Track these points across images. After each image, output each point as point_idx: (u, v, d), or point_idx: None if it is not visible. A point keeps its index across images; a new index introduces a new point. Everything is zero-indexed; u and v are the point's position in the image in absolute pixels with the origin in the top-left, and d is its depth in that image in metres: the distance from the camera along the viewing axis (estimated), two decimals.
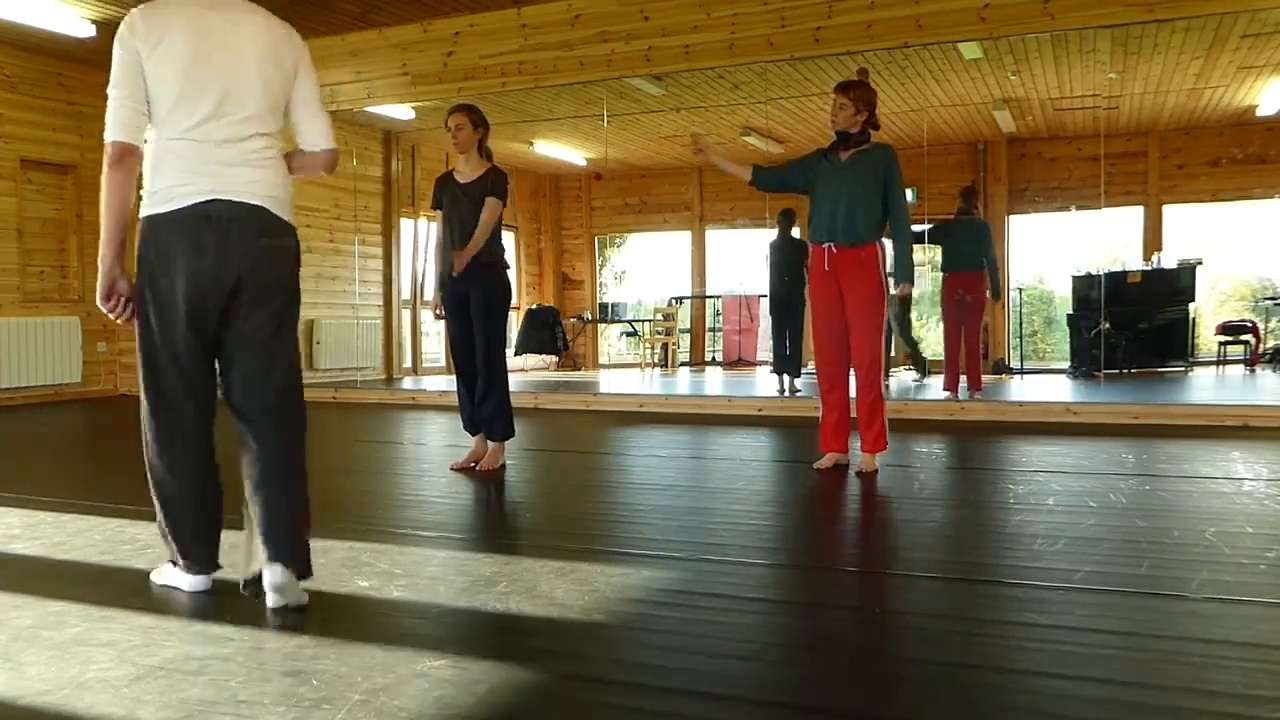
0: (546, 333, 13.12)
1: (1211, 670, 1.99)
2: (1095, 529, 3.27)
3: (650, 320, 13.77)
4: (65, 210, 8.95)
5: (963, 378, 8.08)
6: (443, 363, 12.34)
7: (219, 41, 2.41)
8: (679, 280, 14.29)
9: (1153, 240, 11.66)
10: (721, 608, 2.46)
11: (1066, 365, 11.02)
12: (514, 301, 12.24)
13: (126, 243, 2.40)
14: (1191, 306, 10.74)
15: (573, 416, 7.42)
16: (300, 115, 2.58)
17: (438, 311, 4.71)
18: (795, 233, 8.72)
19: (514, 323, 13.47)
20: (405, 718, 1.76)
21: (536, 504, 4.12)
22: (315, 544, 2.74)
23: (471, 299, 4.54)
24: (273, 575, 2.39)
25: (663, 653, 2.13)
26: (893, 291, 4.71)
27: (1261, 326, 11.20)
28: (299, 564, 2.43)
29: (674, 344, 13.16)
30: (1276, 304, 11.51)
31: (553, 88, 8.28)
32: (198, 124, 2.38)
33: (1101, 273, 10.35)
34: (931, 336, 16.08)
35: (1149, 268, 10.85)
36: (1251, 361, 10.73)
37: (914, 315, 10.75)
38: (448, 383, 9.26)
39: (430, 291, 4.78)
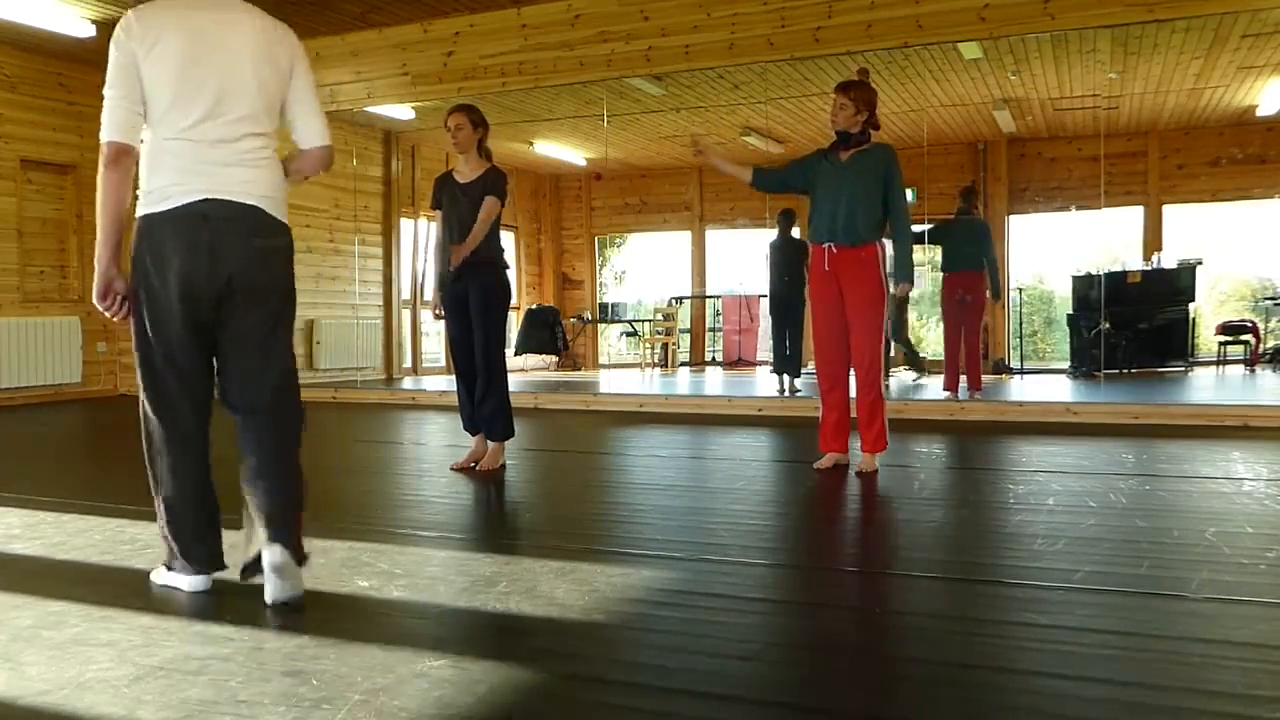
0: (546, 333, 13.12)
1: (1211, 670, 1.99)
2: (1095, 529, 3.27)
3: (650, 320, 13.77)
4: (65, 210, 8.95)
5: (963, 378, 8.08)
6: (443, 363, 12.34)
7: (214, 43, 2.42)
8: (679, 280, 14.30)
9: (1153, 240, 11.66)
10: (721, 608, 2.46)
11: (1066, 365, 11.02)
12: (514, 301, 12.25)
13: (123, 242, 2.42)
14: (1191, 306, 10.74)
15: (573, 416, 7.42)
16: (296, 113, 2.59)
17: (437, 311, 4.71)
18: (795, 233, 8.72)
19: (514, 323, 13.47)
20: (405, 718, 1.76)
21: (536, 504, 4.12)
22: (316, 544, 2.80)
23: (471, 299, 4.54)
24: (272, 555, 2.42)
25: (663, 653, 2.13)
26: (892, 291, 4.71)
27: (1261, 326, 11.20)
28: (295, 549, 2.46)
29: (674, 344, 13.15)
30: (1276, 304, 11.51)
31: (553, 88, 8.28)
32: (193, 124, 2.39)
33: (1101, 273, 10.35)
34: (931, 336, 16.09)
35: (1149, 268, 10.85)
36: (1251, 361, 10.73)
37: (914, 315, 10.78)
38: (448, 383, 9.26)
39: (430, 291, 4.78)
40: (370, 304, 11.24)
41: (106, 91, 2.38)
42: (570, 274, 14.85)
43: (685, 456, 5.37)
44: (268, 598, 2.44)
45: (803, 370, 9.00)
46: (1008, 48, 8.18)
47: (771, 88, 9.24)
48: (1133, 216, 11.98)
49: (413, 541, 3.20)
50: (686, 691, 1.90)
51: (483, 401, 4.59)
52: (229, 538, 2.62)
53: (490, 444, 4.67)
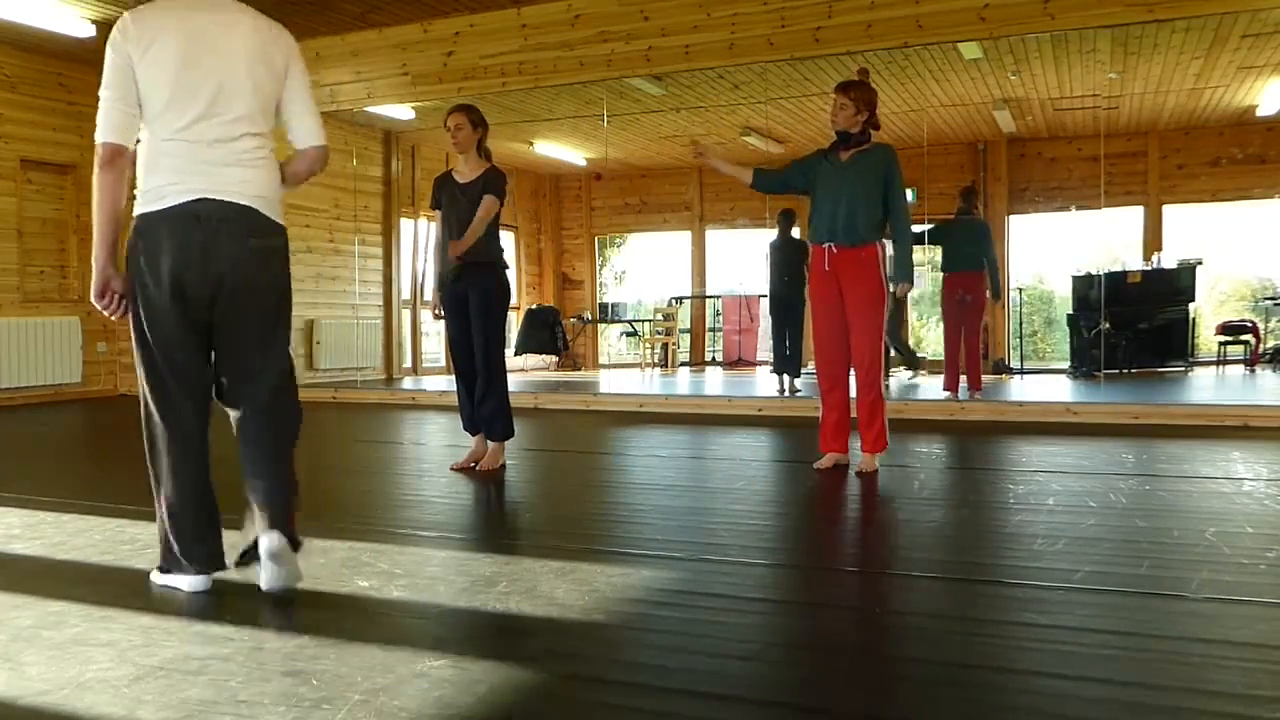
0: (546, 333, 13.11)
1: (1211, 670, 1.99)
2: (1095, 529, 3.27)
3: (650, 320, 13.77)
4: (65, 210, 8.96)
5: (963, 378, 8.08)
6: (443, 363, 12.34)
7: (210, 44, 2.44)
8: (679, 280, 14.30)
9: (1153, 240, 11.66)
10: (721, 608, 2.46)
11: (1066, 365, 11.02)
12: (514, 301, 12.25)
13: (119, 241, 2.45)
14: (1191, 306, 10.74)
15: (573, 416, 7.42)
16: (292, 113, 2.61)
17: (437, 312, 4.71)
18: (795, 233, 8.73)
19: (514, 323, 13.46)
20: (405, 718, 1.76)
21: (536, 504, 4.12)
22: (316, 544, 2.86)
23: (470, 299, 4.54)
24: (269, 541, 2.46)
25: (663, 653, 2.13)
26: (892, 291, 4.71)
27: (1261, 326, 11.20)
28: (291, 536, 2.51)
29: (674, 344, 13.15)
30: (1276, 304, 11.51)
31: (553, 88, 8.28)
32: (188, 124, 2.42)
33: (1101, 273, 10.35)
34: (931, 336, 16.09)
35: (1149, 268, 10.85)
36: (1251, 361, 10.73)
37: (914, 315, 10.78)
38: (448, 383, 9.26)
39: (430, 291, 4.78)
40: (370, 304, 11.24)
41: (102, 93, 2.41)
42: (570, 274, 14.85)
43: (685, 456, 5.37)
44: (263, 584, 2.48)
45: (803, 370, 9.00)
46: (1008, 48, 8.18)
47: (771, 88, 9.23)
48: (1133, 216, 11.98)
49: (413, 541, 3.20)
50: (686, 691, 1.90)
51: (482, 402, 4.59)
52: (229, 538, 2.62)
53: (490, 444, 4.67)
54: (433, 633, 2.29)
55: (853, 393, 4.56)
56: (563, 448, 5.87)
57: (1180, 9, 6.30)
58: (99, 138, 2.40)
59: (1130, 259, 11.66)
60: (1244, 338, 10.92)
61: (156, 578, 2.64)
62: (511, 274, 4.84)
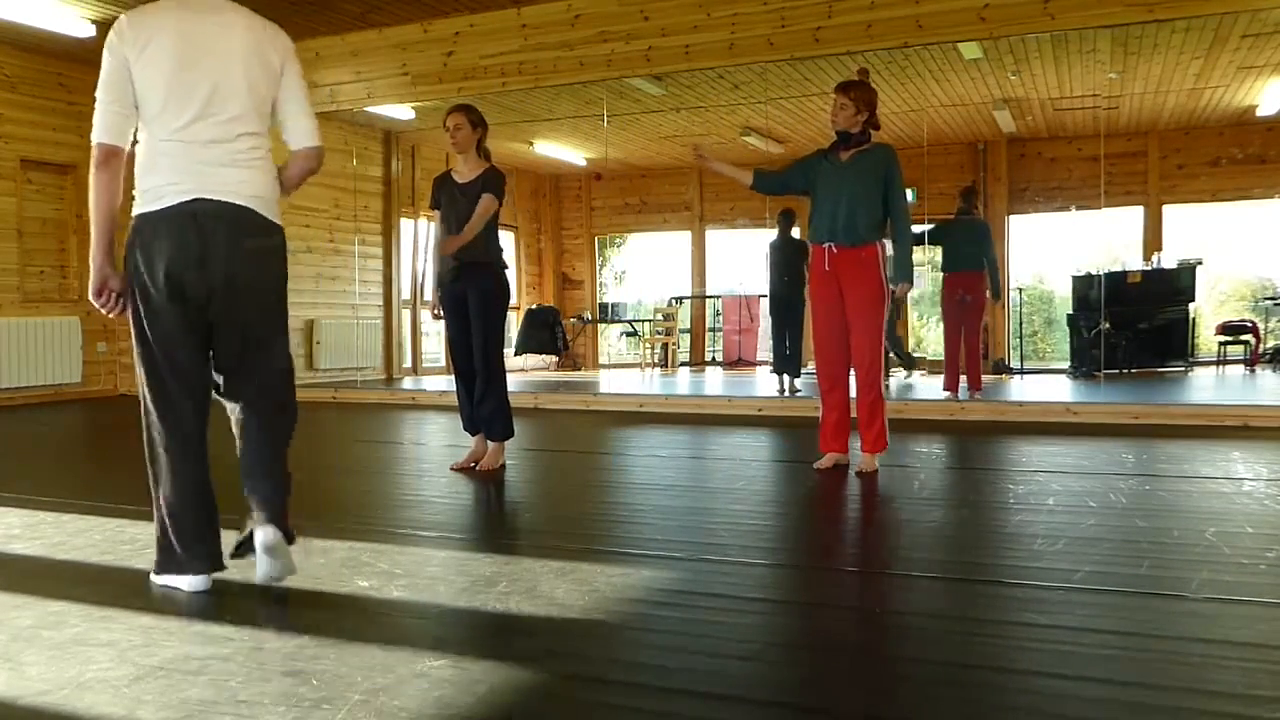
0: (546, 333, 13.11)
1: (1211, 670, 1.99)
2: (1095, 529, 3.27)
3: (650, 320, 13.77)
4: (65, 210, 8.96)
5: (963, 378, 8.08)
6: (443, 363, 12.34)
7: (206, 45, 2.47)
8: (679, 280, 14.30)
9: (1153, 240, 11.66)
10: (721, 608, 2.46)
11: (1066, 365, 11.02)
12: (513, 301, 12.25)
13: (116, 239, 2.48)
14: (1191, 306, 10.74)
15: (573, 416, 7.42)
16: (286, 113, 2.63)
17: (436, 312, 4.71)
18: (795, 233, 8.73)
19: (514, 323, 13.47)
20: (405, 718, 1.76)
21: (536, 504, 4.12)
22: (316, 544, 2.94)
23: (470, 299, 4.54)
24: (264, 536, 2.50)
25: (663, 653, 2.13)
26: (892, 290, 4.71)
27: (1261, 326, 11.20)
28: (285, 530, 2.56)
29: (674, 344, 13.15)
30: (1276, 304, 11.51)
31: (553, 88, 8.27)
32: (185, 125, 2.44)
33: (1101, 273, 10.35)
34: (931, 336, 16.09)
35: (1149, 268, 10.85)
36: (1251, 361, 10.73)
37: (914, 315, 10.78)
38: (448, 383, 9.26)
39: (429, 291, 4.78)
40: (370, 304, 11.24)
41: (98, 94, 2.44)
42: (570, 274, 14.85)
43: (685, 456, 5.37)
44: (258, 575, 2.52)
45: (803, 370, 9.00)
46: (1008, 48, 8.18)
47: (771, 88, 9.23)
48: (1133, 216, 11.98)
49: (413, 541, 3.20)
50: (686, 691, 1.90)
51: (482, 402, 4.59)
52: (228, 538, 2.63)
53: (490, 444, 4.67)
54: (433, 633, 2.29)
55: (853, 393, 4.56)
56: (563, 448, 5.87)
57: (1180, 9, 6.30)
58: (95, 138, 2.44)
59: (1130, 259, 11.66)
60: (1244, 338, 10.92)
61: (156, 578, 2.64)
62: (511, 274, 4.84)
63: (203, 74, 2.44)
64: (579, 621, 2.32)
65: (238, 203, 2.47)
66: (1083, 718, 1.78)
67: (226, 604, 2.47)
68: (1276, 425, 6.06)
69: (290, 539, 2.58)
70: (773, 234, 8.80)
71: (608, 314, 14.34)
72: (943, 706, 1.83)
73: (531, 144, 11.98)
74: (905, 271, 4.62)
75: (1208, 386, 8.92)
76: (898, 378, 10.10)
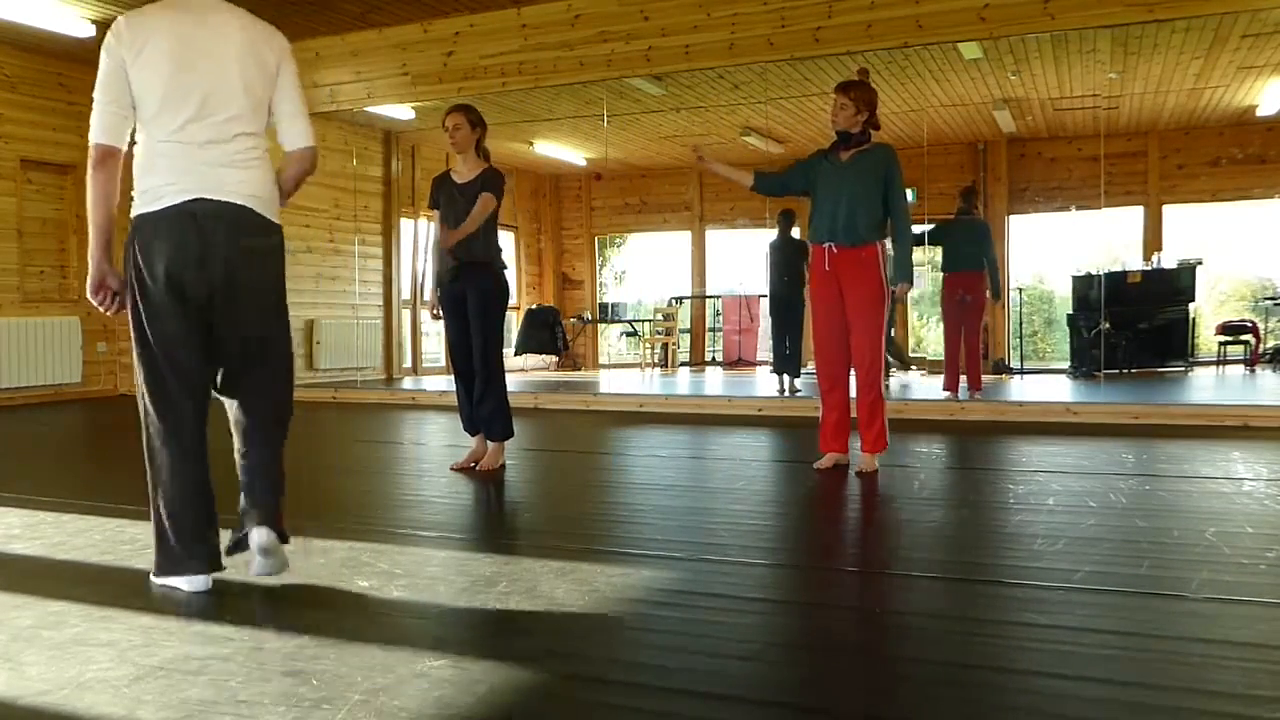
0: (546, 333, 13.11)
1: (1211, 670, 1.99)
2: (1095, 529, 3.27)
3: (650, 320, 13.77)
4: (65, 210, 8.96)
5: (963, 378, 8.08)
6: (443, 363, 12.33)
7: (202, 47, 2.49)
8: (679, 280, 14.30)
9: (1153, 240, 11.66)
10: (721, 608, 2.46)
11: (1066, 365, 11.02)
12: (513, 301, 12.24)
13: (113, 238, 2.50)
14: (1191, 306, 10.74)
15: (573, 416, 7.42)
16: (281, 114, 2.65)
17: (435, 312, 4.71)
18: (795, 233, 8.73)
19: (514, 323, 13.47)
20: (405, 718, 1.76)
21: (536, 504, 4.12)
22: (316, 544, 2.97)
23: (469, 300, 4.54)
24: (259, 537, 2.55)
25: (663, 653, 2.13)
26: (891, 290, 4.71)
27: (1261, 326, 11.20)
28: (281, 532, 2.61)
29: (674, 344, 13.16)
30: (1276, 304, 11.51)
31: (553, 88, 8.28)
32: (181, 126, 2.46)
33: (1101, 273, 10.35)
34: (931, 336, 16.09)
35: (1149, 268, 10.85)
36: (1251, 361, 10.73)
37: (914, 315, 10.79)
38: (447, 383, 9.25)
39: (429, 291, 4.78)
40: (370, 304, 11.23)
41: (96, 95, 2.47)
42: (570, 274, 14.85)
43: (685, 456, 5.37)
44: (252, 572, 2.57)
45: (803, 370, 9.00)
46: (1008, 48, 8.18)
47: (771, 88, 9.23)
48: (1133, 216, 11.98)
49: (413, 541, 3.20)
50: (686, 691, 1.90)
51: (481, 402, 4.59)
52: (225, 537, 2.64)
53: (490, 444, 4.67)
54: (433, 633, 2.29)
55: (853, 393, 4.56)
56: (563, 448, 5.87)
57: (1180, 9, 6.30)
58: (92, 139, 2.46)
59: (1130, 259, 11.66)
60: (1244, 338, 10.92)
61: (156, 578, 2.64)
62: (511, 274, 4.85)
63: (199, 76, 2.46)
64: (579, 621, 2.32)
65: (237, 202, 2.49)
66: (1083, 718, 1.78)
67: (226, 604, 2.47)
68: (1276, 425, 6.06)
69: (284, 539, 2.61)
70: (773, 234, 8.80)
71: (608, 314, 14.34)
72: (943, 706, 1.83)
73: (531, 144, 11.98)
74: (905, 271, 4.62)
75: (1208, 386, 8.92)
76: (897, 378, 10.10)
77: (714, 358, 13.80)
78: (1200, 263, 10.58)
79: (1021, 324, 11.76)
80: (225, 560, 2.62)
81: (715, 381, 10.84)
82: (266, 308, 2.60)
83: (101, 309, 2.54)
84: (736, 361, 13.13)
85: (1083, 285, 10.66)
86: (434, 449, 5.69)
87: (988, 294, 8.08)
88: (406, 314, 11.92)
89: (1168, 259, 10.89)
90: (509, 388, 4.72)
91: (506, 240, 13.56)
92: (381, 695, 1.85)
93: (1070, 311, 10.85)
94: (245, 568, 2.61)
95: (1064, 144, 11.97)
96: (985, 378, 8.67)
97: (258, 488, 2.58)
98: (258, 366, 2.60)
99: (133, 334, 2.53)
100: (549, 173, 14.33)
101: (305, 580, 2.63)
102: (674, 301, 13.67)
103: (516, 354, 13.02)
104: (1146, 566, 2.80)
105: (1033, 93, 9.88)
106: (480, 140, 4.59)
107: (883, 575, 2.82)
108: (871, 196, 4.42)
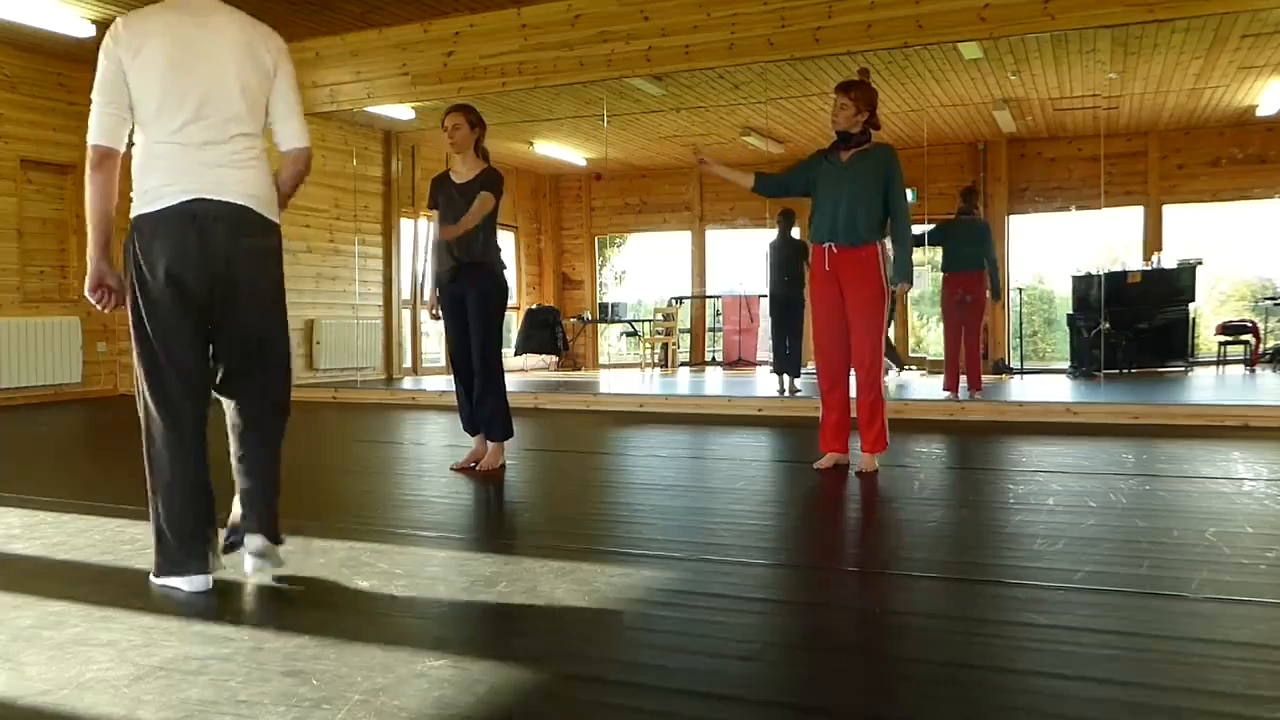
0: (546, 333, 13.12)
1: (1211, 670, 1.99)
2: (1095, 529, 3.27)
3: (650, 320, 13.77)
4: (65, 210, 8.95)
5: (963, 378, 8.08)
6: (442, 363, 12.33)
7: (199, 49, 2.50)
8: (679, 280, 14.30)
9: (1153, 240, 11.66)
10: (721, 608, 2.46)
11: (1066, 365, 11.02)
12: (513, 301, 12.23)
13: (112, 238, 2.52)
14: (1191, 306, 10.74)
15: (573, 416, 7.42)
16: (277, 114, 2.66)
17: (434, 312, 4.71)
18: (795, 233, 8.73)
19: (514, 323, 13.47)
20: (405, 718, 1.76)
21: (536, 504, 4.12)
22: (316, 544, 2.97)
23: (468, 300, 4.54)
24: (254, 543, 2.60)
25: (663, 653, 2.13)
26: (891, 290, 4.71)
27: (1261, 326, 11.20)
28: (275, 535, 2.64)
29: (674, 344, 13.15)
30: (1276, 304, 11.51)
31: (553, 88, 8.28)
32: (179, 128, 2.47)
33: (1101, 273, 10.35)
34: (931, 336, 16.09)
35: (1149, 268, 10.85)
36: (1251, 361, 10.73)
37: (914, 315, 10.79)
38: (447, 383, 9.25)
39: (428, 292, 4.77)
40: (370, 304, 11.23)
41: (94, 96, 2.48)
42: (570, 274, 14.84)
43: (685, 456, 5.37)
44: (247, 570, 2.62)
45: (803, 370, 9.00)
46: (1008, 48, 8.18)
47: (771, 88, 9.23)
48: (1133, 216, 11.98)
49: (413, 541, 3.20)
50: (686, 691, 1.90)
51: (481, 402, 4.59)
52: (221, 536, 2.64)
53: (490, 444, 4.66)
54: (433, 633, 2.29)
55: (853, 393, 4.56)
56: (563, 448, 5.87)
57: (1180, 9, 6.30)
58: (90, 140, 2.47)
59: (1130, 259, 11.66)
60: (1244, 338, 10.92)
61: (156, 578, 2.64)
62: (511, 274, 4.85)
63: (196, 78, 2.48)
64: (579, 621, 2.32)
65: (236, 202, 2.50)
66: (1083, 718, 1.78)
67: (226, 604, 2.47)
68: (1276, 425, 6.06)
69: (278, 541, 2.64)
70: (773, 234, 8.80)
71: (608, 314, 14.34)
72: (943, 706, 1.83)
73: (531, 144, 11.98)
74: (904, 271, 4.62)
75: (1208, 386, 8.92)
76: (892, 377, 10.10)
77: (714, 358, 13.80)
78: (1200, 263, 10.58)
79: (1021, 324, 11.76)
80: (227, 560, 2.63)
81: (715, 381, 10.84)
82: (266, 308, 2.61)
83: (99, 307, 2.55)
84: (736, 362, 13.13)
85: (1083, 285, 10.66)
86: (434, 449, 5.69)
87: (988, 294, 8.09)
88: (406, 314, 11.91)
89: (1168, 259, 10.90)
90: (509, 388, 4.72)
91: (506, 240, 13.56)
92: (381, 695, 1.85)
93: (1070, 311, 10.85)
94: (242, 566, 2.64)
95: (1064, 144, 11.97)
96: (985, 378, 8.67)
97: (254, 490, 2.60)
98: (257, 366, 2.61)
99: (133, 334, 2.53)
100: (549, 173, 14.33)
101: (305, 580, 2.63)
102: (674, 301, 13.67)
103: (516, 354, 13.02)
104: (1146, 566, 2.80)
105: (1033, 93, 9.88)
106: (479, 140, 4.59)
107: (883, 575, 2.82)
108: (872, 196, 4.42)
